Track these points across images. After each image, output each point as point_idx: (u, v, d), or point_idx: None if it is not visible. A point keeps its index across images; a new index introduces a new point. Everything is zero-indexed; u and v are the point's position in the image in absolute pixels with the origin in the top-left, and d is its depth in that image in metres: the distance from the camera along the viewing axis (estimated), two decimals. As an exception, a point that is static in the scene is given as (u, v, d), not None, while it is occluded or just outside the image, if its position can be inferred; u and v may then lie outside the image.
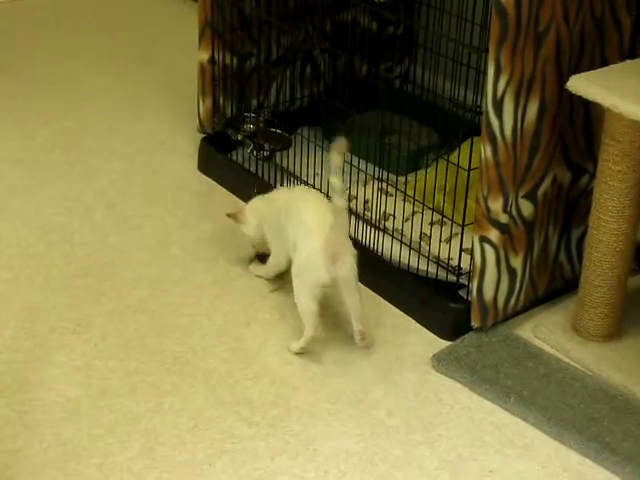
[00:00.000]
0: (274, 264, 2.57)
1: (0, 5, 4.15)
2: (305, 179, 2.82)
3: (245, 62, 3.00)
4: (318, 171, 2.86)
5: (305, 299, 2.36)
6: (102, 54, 3.80)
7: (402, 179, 2.83)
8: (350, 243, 2.37)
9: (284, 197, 2.55)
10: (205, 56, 2.94)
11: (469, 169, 2.37)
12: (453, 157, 2.64)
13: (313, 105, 3.17)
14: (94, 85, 3.57)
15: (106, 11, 4.20)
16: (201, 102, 3.01)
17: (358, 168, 2.74)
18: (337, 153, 2.28)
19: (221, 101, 3.01)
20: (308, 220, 2.40)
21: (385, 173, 2.77)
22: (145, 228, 2.80)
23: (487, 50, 2.17)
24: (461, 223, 2.48)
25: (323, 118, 3.11)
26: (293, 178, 2.84)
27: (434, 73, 3.07)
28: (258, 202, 2.63)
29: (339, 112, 2.96)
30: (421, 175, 2.83)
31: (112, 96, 3.49)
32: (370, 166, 2.86)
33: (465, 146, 2.84)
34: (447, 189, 2.69)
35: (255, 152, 2.87)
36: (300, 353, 2.37)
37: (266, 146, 2.87)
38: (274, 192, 2.64)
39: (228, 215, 2.64)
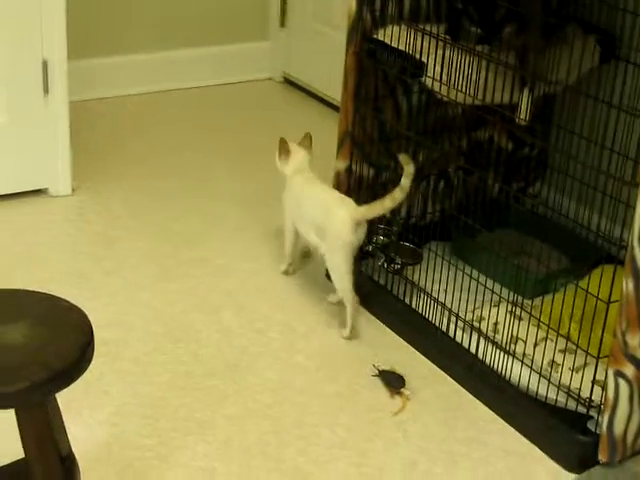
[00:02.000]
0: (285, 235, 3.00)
1: (140, 97, 4.28)
2: (432, 294, 2.81)
3: (380, 174, 3.02)
4: (445, 287, 2.85)
5: (343, 271, 2.76)
6: (234, 152, 3.87)
7: (532, 303, 2.80)
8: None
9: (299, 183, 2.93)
10: (342, 165, 2.97)
11: (609, 302, 2.33)
12: (583, 284, 2.61)
13: (444, 220, 3.17)
14: (225, 182, 3.63)
15: (239, 110, 4.30)
16: (335, 211, 3.04)
17: (485, 286, 2.73)
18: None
19: (354, 211, 3.03)
20: (327, 195, 2.84)
21: (513, 294, 2.76)
22: (272, 332, 2.81)
23: (638, 184, 2.15)
24: (593, 353, 2.44)
25: (453, 234, 3.11)
26: (421, 293, 2.82)
27: (567, 197, 3.05)
28: (303, 159, 2.96)
29: (469, 229, 2.96)
30: (550, 300, 2.79)
31: (244, 194, 3.54)
32: (497, 286, 2.85)
33: (596, 274, 2.81)
34: (577, 316, 2.65)
35: (386, 265, 2.88)
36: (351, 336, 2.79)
37: (397, 259, 2.87)
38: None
39: (281, 140, 2.95)
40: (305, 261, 3.12)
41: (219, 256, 3.17)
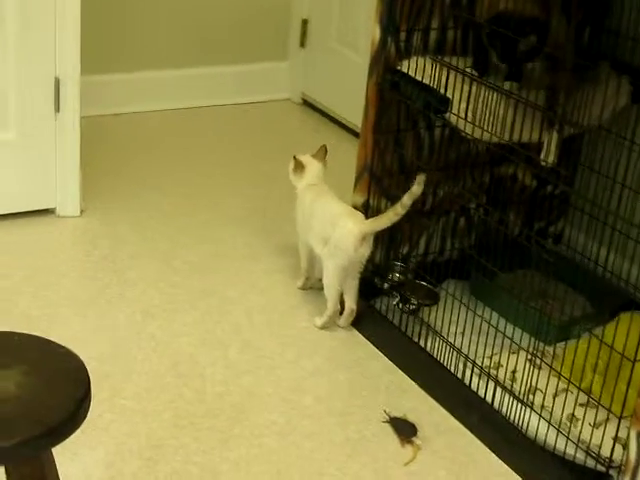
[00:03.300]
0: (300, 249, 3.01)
1: (156, 114, 4.19)
2: (448, 337, 2.70)
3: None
4: (462, 330, 2.75)
5: (334, 279, 2.79)
6: (248, 175, 3.78)
7: (552, 351, 2.69)
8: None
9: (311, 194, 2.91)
10: (360, 199, 2.86)
11: (634, 359, 2.22)
12: (609, 335, 2.50)
13: (462, 258, 3.07)
14: (238, 206, 3.53)
15: (256, 131, 4.21)
16: (350, 246, 2.93)
17: (504, 333, 2.63)
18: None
19: (371, 247, 2.93)
20: (337, 207, 2.81)
21: (533, 341, 2.66)
22: (279, 370, 2.71)
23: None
24: (615, 411, 2.33)
25: (472, 274, 3.00)
26: (436, 335, 2.72)
27: (591, 238, 2.94)
28: (317, 173, 2.94)
29: (488, 269, 2.86)
30: (571, 348, 2.68)
31: (257, 220, 3.45)
32: (517, 330, 2.75)
33: (621, 323, 2.70)
34: (601, 368, 2.54)
35: (401, 305, 2.77)
36: (323, 328, 2.84)
37: (413, 299, 2.77)
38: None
39: (295, 158, 2.96)
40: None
41: (228, 287, 3.06)
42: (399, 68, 2.69)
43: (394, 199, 2.80)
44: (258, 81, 4.46)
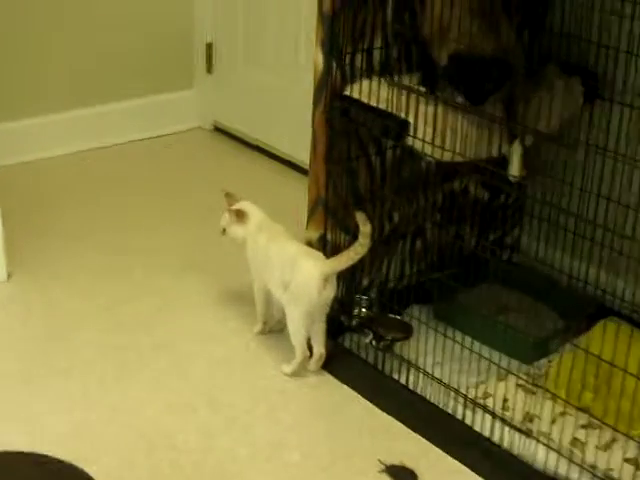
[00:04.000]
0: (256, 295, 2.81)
1: (65, 158, 3.95)
2: (426, 369, 2.56)
3: (356, 240, 2.76)
4: (439, 360, 2.62)
5: (299, 325, 2.61)
6: (176, 213, 3.57)
7: (540, 371, 2.58)
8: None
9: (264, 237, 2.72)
10: (315, 234, 2.70)
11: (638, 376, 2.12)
12: (594, 346, 2.39)
13: (422, 282, 2.94)
14: (174, 250, 3.33)
15: (172, 164, 4.01)
16: (308, 284, 2.77)
17: (480, 355, 2.52)
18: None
19: (331, 283, 2.77)
20: (295, 248, 2.64)
21: (510, 361, 2.55)
22: (255, 428, 2.52)
23: None
24: (621, 429, 2.23)
25: (434, 296, 2.88)
26: (416, 369, 2.57)
27: (550, 245, 2.84)
28: (261, 215, 2.77)
29: (449, 288, 2.74)
30: (556, 365, 2.57)
31: (198, 262, 3.25)
32: (492, 351, 2.63)
33: (597, 331, 2.61)
34: (590, 384, 2.44)
35: (374, 342, 2.62)
36: (293, 376, 2.67)
37: (388, 335, 2.61)
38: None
39: (227, 195, 2.80)
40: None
41: (182, 340, 2.86)
42: (347, 93, 2.53)
43: (352, 232, 2.65)
44: (166, 112, 4.25)
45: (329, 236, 2.68)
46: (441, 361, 2.62)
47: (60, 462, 1.49)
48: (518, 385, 2.45)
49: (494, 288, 2.99)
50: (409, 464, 2.37)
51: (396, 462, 2.37)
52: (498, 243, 3.09)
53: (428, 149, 2.46)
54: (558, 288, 2.90)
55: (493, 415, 2.42)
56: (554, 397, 2.40)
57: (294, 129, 3.73)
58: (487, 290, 2.98)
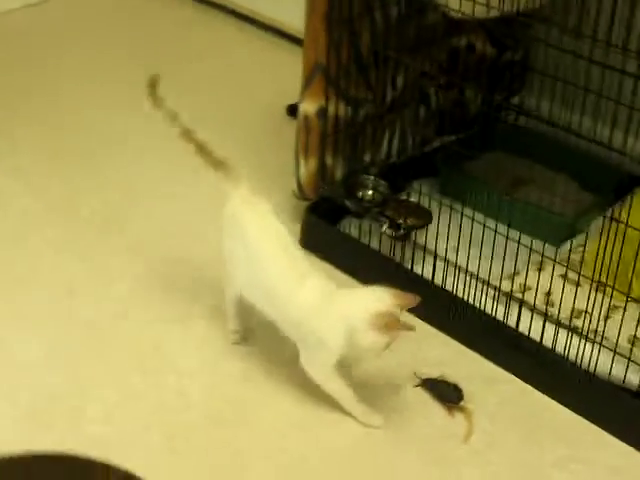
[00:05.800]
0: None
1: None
2: (446, 255, 2.23)
3: (358, 111, 2.39)
4: (454, 244, 2.25)
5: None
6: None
7: (575, 257, 2.22)
8: None
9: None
10: (311, 107, 2.31)
11: None
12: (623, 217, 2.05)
13: (426, 154, 2.60)
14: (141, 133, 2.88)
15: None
16: (302, 163, 2.38)
17: (527, 245, 2.13)
18: None
19: (329, 161, 2.40)
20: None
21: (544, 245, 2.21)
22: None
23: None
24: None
25: (439, 168, 2.54)
26: (438, 259, 2.24)
27: (565, 106, 2.47)
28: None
29: (455, 158, 2.40)
30: (593, 249, 2.20)
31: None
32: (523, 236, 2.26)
33: (638, 203, 2.31)
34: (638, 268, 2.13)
35: (390, 230, 2.26)
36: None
37: (408, 221, 2.26)
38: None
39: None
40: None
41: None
42: None
43: (355, 102, 2.27)
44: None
45: (330, 108, 2.30)
46: (457, 246, 2.24)
47: (88, 460, 1.13)
48: (561, 276, 2.13)
49: (503, 157, 2.66)
50: (440, 371, 2.05)
51: (434, 375, 2.04)
52: (503, 105, 2.74)
53: (455, 3, 2.07)
54: (577, 155, 2.56)
55: (533, 310, 2.11)
56: (600, 288, 2.08)
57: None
58: (495, 159, 2.65)
